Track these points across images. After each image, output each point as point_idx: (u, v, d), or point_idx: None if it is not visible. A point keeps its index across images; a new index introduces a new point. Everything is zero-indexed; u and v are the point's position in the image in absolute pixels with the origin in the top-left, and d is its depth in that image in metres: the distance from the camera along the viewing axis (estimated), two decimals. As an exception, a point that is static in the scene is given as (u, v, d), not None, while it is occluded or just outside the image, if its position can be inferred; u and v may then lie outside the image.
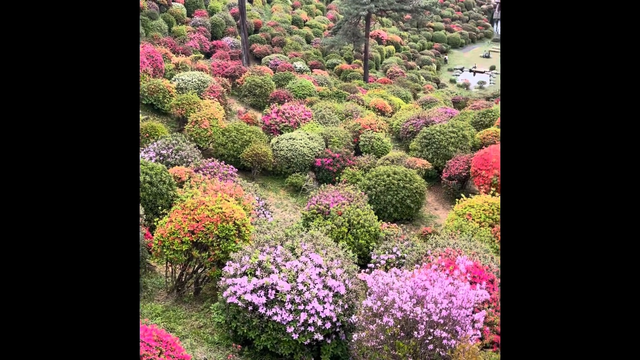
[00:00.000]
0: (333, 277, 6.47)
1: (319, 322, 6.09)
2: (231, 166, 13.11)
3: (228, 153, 15.55)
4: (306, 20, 48.80)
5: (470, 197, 11.66)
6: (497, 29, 71.80)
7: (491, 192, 12.52)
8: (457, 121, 18.69)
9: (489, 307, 6.39)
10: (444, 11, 66.38)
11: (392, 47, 51.23)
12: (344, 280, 6.54)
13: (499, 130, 18.27)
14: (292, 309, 6.06)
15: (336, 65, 40.08)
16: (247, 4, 42.43)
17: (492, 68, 54.33)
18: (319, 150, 16.32)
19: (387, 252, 9.39)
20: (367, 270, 7.34)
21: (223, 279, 6.56)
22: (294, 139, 16.30)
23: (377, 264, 8.65)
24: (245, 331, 6.41)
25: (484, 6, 76.12)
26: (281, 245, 6.81)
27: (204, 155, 15.12)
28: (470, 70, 54.31)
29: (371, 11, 35.25)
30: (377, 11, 36.10)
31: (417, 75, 45.40)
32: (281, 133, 17.80)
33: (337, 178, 15.14)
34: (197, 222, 7.28)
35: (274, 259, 6.46)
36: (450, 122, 18.02)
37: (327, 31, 46.22)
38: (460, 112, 25.01)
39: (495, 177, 13.19)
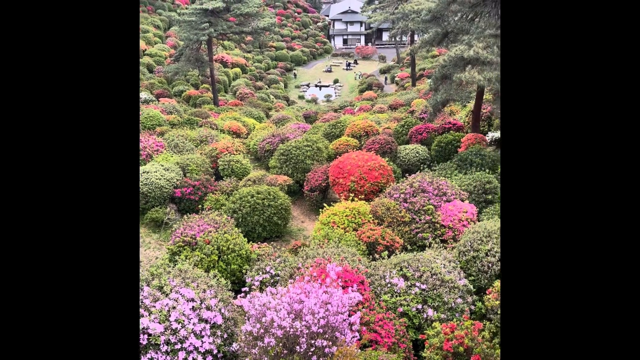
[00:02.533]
0: (208, 308, 6.26)
1: (199, 358, 5.85)
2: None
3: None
4: (145, 50, 47.14)
5: (332, 205, 12.11)
6: (334, 44, 75.98)
7: (350, 197, 13.13)
8: (311, 135, 19.36)
9: (363, 308, 6.65)
10: (283, 31, 68.59)
11: (238, 70, 51.55)
12: (220, 310, 6.36)
13: (349, 139, 19.27)
14: (169, 350, 5.74)
15: (184, 92, 39.22)
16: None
17: (336, 81, 57.27)
18: (177, 180, 15.77)
19: (260, 273, 9.34)
20: (243, 294, 7.22)
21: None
22: (147, 172, 15.56)
23: (252, 286, 8.56)
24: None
25: (319, 24, 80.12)
26: (147, 286, 6.43)
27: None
28: (316, 85, 56.67)
29: (211, 36, 35.13)
30: (218, 35, 36.10)
31: (267, 94, 46.22)
32: (134, 168, 16.84)
33: (200, 206, 14.74)
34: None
35: (142, 302, 6.07)
36: (304, 136, 18.59)
37: (169, 59, 45.07)
38: (313, 126, 25.94)
39: (353, 183, 13.85)
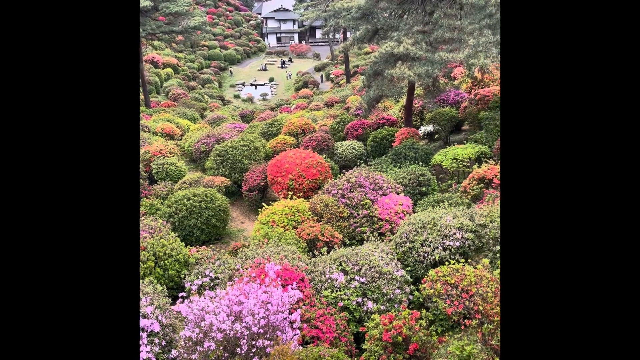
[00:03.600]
0: (144, 316, 6.07)
1: (138, 368, 5.66)
2: None
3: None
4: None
5: (272, 205, 12.06)
6: (268, 42, 75.60)
7: (289, 195, 13.13)
8: (247, 134, 19.17)
9: (303, 305, 6.67)
10: (215, 29, 67.42)
11: (170, 70, 50.24)
12: (157, 317, 6.19)
13: (287, 137, 19.25)
14: (104, 363, 5.52)
15: (113, 94, 37.73)
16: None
17: (271, 80, 57.01)
18: (109, 186, 15.17)
19: (200, 277, 9.16)
20: (181, 299, 7.07)
21: None
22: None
23: (191, 291, 8.39)
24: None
25: (252, 22, 79.43)
26: (79, 297, 6.15)
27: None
28: (252, 84, 56.19)
29: (140, 36, 34.01)
30: (147, 35, 35.02)
31: (201, 94, 45.32)
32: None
33: (134, 212, 14.25)
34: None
35: (73, 315, 5.80)
36: (241, 136, 18.39)
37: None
38: (249, 125, 25.70)
39: (291, 181, 13.86)
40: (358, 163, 16.64)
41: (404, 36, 13.36)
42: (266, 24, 78.29)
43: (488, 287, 5.51)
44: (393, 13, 15.48)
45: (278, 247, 8.86)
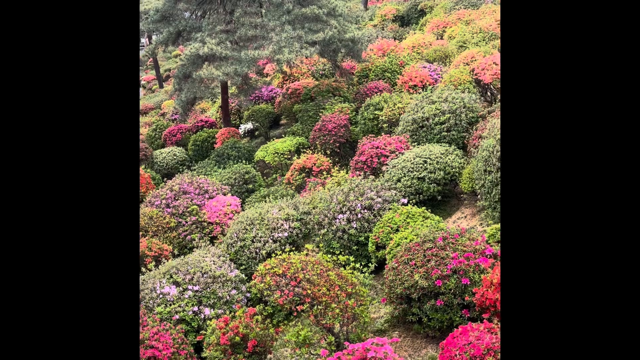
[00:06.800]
0: None
1: None
2: None
3: None
4: None
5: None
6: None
7: None
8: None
9: (134, 327, 6.29)
10: None
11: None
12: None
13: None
14: None
15: None
16: None
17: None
18: None
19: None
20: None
21: None
22: None
23: None
24: None
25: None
26: None
27: None
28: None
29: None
30: None
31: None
32: None
33: None
34: None
35: None
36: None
37: None
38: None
39: None
40: (181, 169, 16.16)
41: (208, 36, 13.25)
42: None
43: (314, 270, 5.79)
44: (194, 14, 15.24)
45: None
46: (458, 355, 4.62)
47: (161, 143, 19.56)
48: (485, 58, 12.55)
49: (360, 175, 9.91)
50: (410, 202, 8.76)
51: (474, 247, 5.94)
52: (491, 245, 6.05)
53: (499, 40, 15.18)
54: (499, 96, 11.70)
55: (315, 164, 12.46)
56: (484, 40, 15.96)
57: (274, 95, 19.14)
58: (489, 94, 12.41)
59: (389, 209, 8.40)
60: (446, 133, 10.22)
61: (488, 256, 5.84)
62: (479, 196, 8.45)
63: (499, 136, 7.81)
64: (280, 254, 6.22)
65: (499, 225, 6.65)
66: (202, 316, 7.24)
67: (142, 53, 57.14)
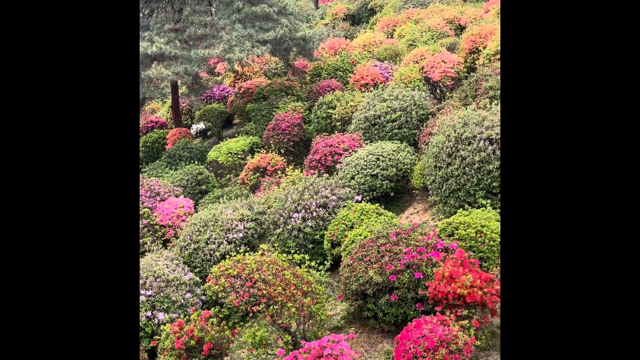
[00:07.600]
0: None
1: None
2: None
3: None
4: None
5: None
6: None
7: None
8: None
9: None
10: None
11: None
12: None
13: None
14: None
15: None
16: None
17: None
18: None
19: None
20: None
21: None
22: None
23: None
24: None
25: None
26: None
27: None
28: None
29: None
30: None
31: None
32: None
33: None
34: None
35: None
36: None
37: None
38: None
39: None
40: (131, 172, 15.72)
41: (156, 35, 12.95)
42: None
43: (269, 270, 5.76)
44: (141, 12, 14.85)
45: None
46: (412, 349, 4.71)
47: (110, 145, 18.98)
48: (434, 56, 12.83)
49: (314, 173, 9.94)
50: (364, 199, 8.86)
51: (426, 242, 6.06)
52: (442, 240, 6.19)
53: (447, 39, 15.56)
54: (447, 93, 12.00)
55: (269, 163, 12.41)
56: (432, 38, 16.31)
57: (226, 94, 18.92)
58: (438, 91, 12.70)
59: (344, 206, 8.46)
60: (398, 130, 10.40)
61: (440, 250, 5.98)
62: (430, 191, 8.63)
63: (448, 132, 8.01)
64: (235, 255, 6.16)
65: (450, 219, 6.82)
66: (156, 321, 7.09)
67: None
